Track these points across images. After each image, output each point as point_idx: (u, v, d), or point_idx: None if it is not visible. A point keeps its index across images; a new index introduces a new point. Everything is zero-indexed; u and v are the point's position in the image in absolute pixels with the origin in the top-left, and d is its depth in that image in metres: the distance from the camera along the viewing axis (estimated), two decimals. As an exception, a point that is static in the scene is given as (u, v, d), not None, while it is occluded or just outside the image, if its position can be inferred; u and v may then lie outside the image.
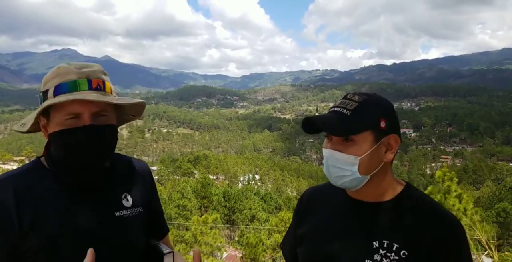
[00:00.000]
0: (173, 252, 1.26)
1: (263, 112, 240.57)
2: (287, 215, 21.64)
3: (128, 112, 1.35)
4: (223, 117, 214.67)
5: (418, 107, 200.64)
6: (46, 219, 1.12)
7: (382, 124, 1.08)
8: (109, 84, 1.21)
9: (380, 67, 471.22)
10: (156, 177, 64.73)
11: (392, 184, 1.17)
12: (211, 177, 48.29)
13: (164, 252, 1.24)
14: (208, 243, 18.18)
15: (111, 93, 1.22)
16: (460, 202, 7.80)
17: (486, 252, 5.13)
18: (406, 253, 1.05)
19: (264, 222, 29.99)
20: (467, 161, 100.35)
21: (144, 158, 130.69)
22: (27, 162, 1.22)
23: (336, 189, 1.21)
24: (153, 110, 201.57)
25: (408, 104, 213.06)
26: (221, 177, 72.12)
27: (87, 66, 1.19)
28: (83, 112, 1.12)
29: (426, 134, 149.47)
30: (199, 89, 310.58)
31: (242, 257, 19.26)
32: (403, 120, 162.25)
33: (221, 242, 19.51)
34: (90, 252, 1.04)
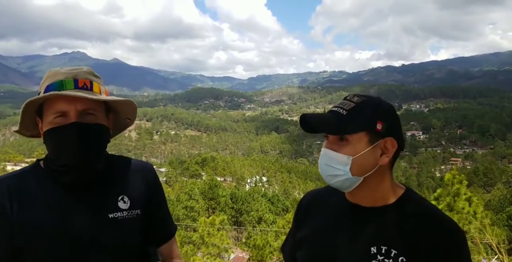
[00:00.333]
0: (160, 261, 1.25)
1: (270, 114, 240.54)
2: (295, 217, 21.59)
3: (122, 115, 1.35)
4: (231, 119, 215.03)
5: (427, 109, 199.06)
6: (39, 219, 1.13)
7: (379, 126, 1.08)
8: (97, 85, 1.22)
9: (389, 68, 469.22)
10: (164, 179, 64.97)
11: (391, 188, 1.15)
12: (219, 179, 48.24)
13: (152, 260, 1.22)
14: (215, 245, 18.18)
15: (100, 94, 1.22)
16: (470, 205, 7.68)
17: (496, 256, 5.03)
18: (404, 260, 1.05)
19: (271, 224, 29.92)
20: (478, 163, 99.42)
21: (153, 160, 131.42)
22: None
23: (335, 193, 1.21)
24: (161, 112, 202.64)
25: (417, 106, 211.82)
26: (228, 179, 72.09)
27: (76, 68, 1.21)
28: (69, 111, 1.14)
29: (436, 136, 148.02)
30: (206, 91, 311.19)
31: (249, 259, 19.23)
32: (412, 122, 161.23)
33: (228, 243, 19.50)
34: None
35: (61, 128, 1.14)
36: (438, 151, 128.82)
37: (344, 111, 1.09)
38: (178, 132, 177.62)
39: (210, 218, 19.55)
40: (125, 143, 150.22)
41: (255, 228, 29.53)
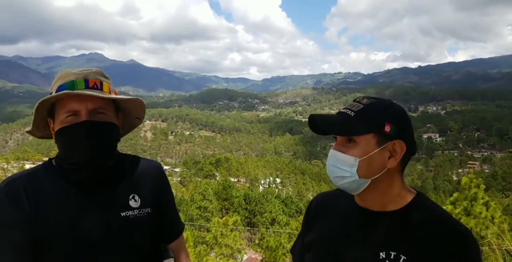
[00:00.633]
0: (173, 257, 1.28)
1: (284, 115, 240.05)
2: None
3: (132, 114, 1.38)
4: (245, 120, 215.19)
5: (444, 111, 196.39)
6: (52, 217, 1.16)
7: (387, 128, 1.07)
8: (107, 85, 1.26)
9: (405, 70, 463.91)
10: (179, 179, 65.41)
11: (401, 192, 1.13)
12: (232, 180, 48.32)
13: (164, 257, 1.25)
14: (228, 245, 18.23)
15: (110, 93, 1.25)
16: (487, 210, 7.55)
17: (515, 263, 4.92)
18: None
19: (284, 226, 29.85)
20: (496, 167, 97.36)
21: (167, 160, 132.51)
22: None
23: (344, 196, 1.21)
24: (176, 113, 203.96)
25: (434, 108, 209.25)
26: (242, 180, 72.14)
27: (86, 69, 1.25)
28: (80, 109, 1.17)
29: (453, 139, 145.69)
30: (221, 92, 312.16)
31: (262, 260, 19.20)
32: (428, 125, 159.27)
33: (241, 244, 19.54)
34: None
35: (72, 126, 1.16)
36: (455, 154, 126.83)
37: (352, 112, 1.09)
38: (192, 133, 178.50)
39: (224, 218, 19.61)
40: (140, 143, 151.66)
41: (268, 230, 29.48)
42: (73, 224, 1.16)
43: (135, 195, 1.29)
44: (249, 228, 32.17)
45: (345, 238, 1.16)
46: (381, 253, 1.07)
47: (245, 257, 21.28)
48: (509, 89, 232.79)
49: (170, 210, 1.44)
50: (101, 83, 1.23)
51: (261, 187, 64.92)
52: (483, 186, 7.78)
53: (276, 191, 53.91)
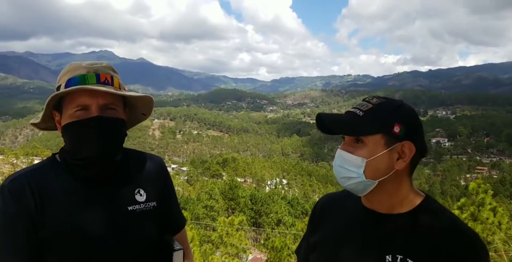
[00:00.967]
0: (182, 249, 1.28)
1: (292, 116, 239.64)
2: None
3: (139, 110, 1.37)
4: (252, 121, 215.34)
5: (453, 115, 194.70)
6: (60, 212, 1.15)
7: (396, 129, 1.04)
8: (117, 80, 1.24)
9: (415, 73, 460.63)
10: (186, 177, 65.63)
11: (409, 195, 1.11)
12: (239, 180, 48.43)
13: (175, 248, 1.25)
14: (233, 245, 18.31)
15: (120, 89, 1.24)
16: (494, 216, 7.54)
17: (521, 268, 4.93)
18: None
19: (290, 227, 29.90)
20: (505, 172, 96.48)
21: (175, 158, 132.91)
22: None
23: (351, 197, 1.19)
24: (184, 112, 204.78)
25: (443, 112, 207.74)
26: (248, 180, 72.22)
27: (96, 63, 1.23)
28: (91, 104, 1.15)
29: (462, 144, 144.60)
30: (229, 92, 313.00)
31: (267, 260, 19.26)
32: (437, 129, 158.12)
33: (246, 244, 19.62)
34: None
35: (83, 121, 1.15)
36: (464, 159, 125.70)
37: (361, 112, 1.07)
38: (200, 132, 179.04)
39: (230, 218, 19.69)
40: (148, 141, 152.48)
41: (273, 230, 29.55)
42: (80, 220, 1.16)
43: (141, 189, 1.29)
44: (254, 228, 32.26)
45: (350, 239, 1.15)
46: (387, 256, 1.05)
47: (250, 257, 21.34)
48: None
49: (174, 203, 1.45)
50: (112, 78, 1.22)
51: (267, 188, 64.95)
52: (491, 192, 7.75)
53: (283, 192, 53.96)
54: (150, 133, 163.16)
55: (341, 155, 1.10)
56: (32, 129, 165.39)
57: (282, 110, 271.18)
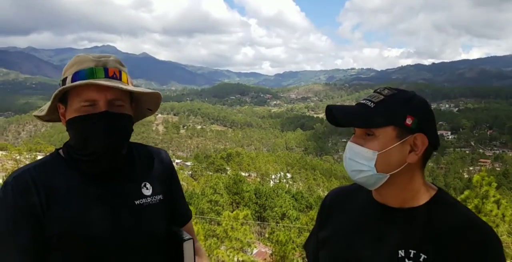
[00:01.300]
0: (192, 238, 1.27)
1: (296, 111, 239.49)
2: (318, 215, 21.55)
3: (144, 105, 1.36)
4: (256, 115, 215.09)
5: (456, 109, 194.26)
6: (65, 209, 1.13)
7: (408, 121, 1.02)
8: (125, 75, 1.23)
9: (418, 67, 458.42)
10: (190, 172, 65.89)
11: (421, 189, 1.09)
12: (243, 174, 48.55)
13: (184, 238, 1.24)
14: (238, 239, 18.41)
15: (128, 84, 1.22)
16: (498, 208, 7.60)
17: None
18: None
19: (294, 220, 30.08)
20: (508, 165, 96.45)
21: (179, 153, 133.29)
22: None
23: (361, 192, 1.18)
24: (188, 107, 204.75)
25: (447, 105, 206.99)
26: (252, 174, 72.36)
27: (104, 56, 1.20)
28: (99, 99, 1.13)
29: (465, 136, 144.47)
30: (233, 87, 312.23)
31: (271, 254, 19.41)
32: (440, 122, 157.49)
33: (251, 238, 19.73)
34: None
35: (90, 116, 1.13)
36: (467, 152, 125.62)
37: (372, 104, 1.05)
38: (204, 127, 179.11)
39: (234, 212, 19.80)
40: (152, 136, 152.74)
41: (278, 224, 29.71)
42: (86, 217, 1.14)
43: (147, 183, 1.28)
44: (259, 222, 32.44)
45: (362, 234, 1.13)
46: (400, 251, 1.03)
47: (255, 251, 21.48)
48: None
49: (180, 196, 1.45)
50: (120, 72, 1.20)
51: (271, 182, 65.08)
52: (494, 184, 7.82)
53: (287, 186, 54.14)
54: (154, 128, 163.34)
55: (351, 147, 1.08)
56: (35, 125, 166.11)
57: (285, 105, 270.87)
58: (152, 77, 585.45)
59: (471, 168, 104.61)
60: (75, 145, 1.19)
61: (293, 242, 19.56)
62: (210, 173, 60.44)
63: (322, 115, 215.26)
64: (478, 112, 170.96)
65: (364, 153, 1.04)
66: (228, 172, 60.62)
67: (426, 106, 1.08)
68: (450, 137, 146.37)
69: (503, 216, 7.52)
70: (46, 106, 1.23)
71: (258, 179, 65.28)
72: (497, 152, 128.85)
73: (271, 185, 51.03)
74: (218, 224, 23.04)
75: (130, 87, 1.18)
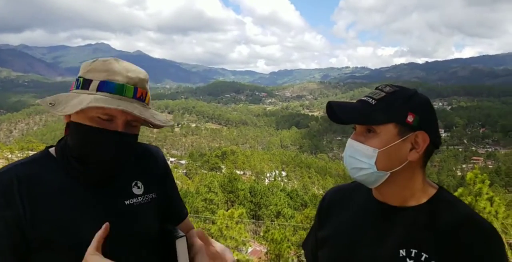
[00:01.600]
0: (185, 236, 1.24)
1: (291, 109, 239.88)
2: (313, 213, 21.59)
3: (150, 123, 1.31)
4: (251, 114, 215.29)
5: (450, 107, 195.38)
6: (50, 212, 1.09)
7: (410, 118, 1.01)
8: (149, 96, 1.23)
9: (412, 65, 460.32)
10: (184, 171, 65.80)
11: (422, 187, 1.08)
12: (238, 172, 48.58)
13: (177, 236, 1.23)
14: (233, 238, 18.40)
15: (148, 104, 1.22)
16: (491, 205, 7.65)
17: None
18: None
19: (289, 219, 30.08)
20: (500, 163, 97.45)
21: (173, 152, 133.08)
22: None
23: (361, 190, 1.17)
24: (182, 105, 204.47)
25: (440, 104, 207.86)
26: (247, 173, 72.39)
27: (135, 71, 1.17)
28: (119, 118, 1.12)
29: (458, 134, 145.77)
30: (228, 85, 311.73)
31: (266, 253, 19.40)
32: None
33: (246, 237, 19.72)
34: (105, 226, 1.01)
35: (107, 133, 1.11)
36: (460, 150, 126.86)
37: (373, 100, 1.04)
38: (199, 125, 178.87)
39: (229, 211, 19.80)
40: (146, 135, 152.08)
41: (273, 222, 29.73)
42: (73, 219, 1.10)
43: (138, 182, 1.26)
44: (254, 220, 32.43)
45: (361, 234, 1.11)
46: (401, 251, 1.02)
47: (250, 249, 21.50)
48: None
49: (174, 193, 1.42)
50: (146, 94, 1.19)
51: (266, 180, 65.20)
52: (487, 182, 7.87)
53: (282, 184, 54.20)
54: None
55: (352, 145, 1.07)
56: (27, 123, 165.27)
57: (280, 103, 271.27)
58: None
59: (464, 166, 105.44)
60: (75, 149, 1.15)
61: (288, 240, 19.60)
62: (205, 171, 60.43)
63: (317, 113, 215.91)
64: (470, 110, 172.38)
65: (365, 150, 1.03)
66: (223, 170, 60.68)
67: (428, 104, 1.07)
68: (443, 135, 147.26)
69: (496, 213, 7.57)
70: (58, 101, 1.13)
71: (253, 177, 65.27)
72: (490, 149, 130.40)
73: (266, 183, 51.04)
74: (213, 223, 22.99)
75: (152, 120, 1.16)
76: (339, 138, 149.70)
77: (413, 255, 1.00)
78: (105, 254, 1.07)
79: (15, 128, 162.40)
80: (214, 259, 1.11)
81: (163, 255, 1.26)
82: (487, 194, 7.70)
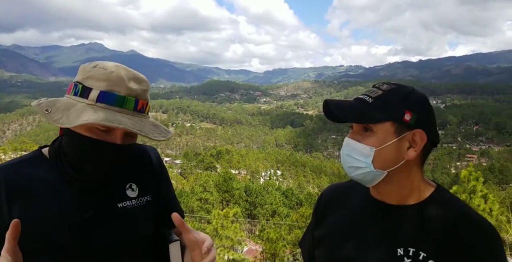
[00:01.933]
0: (179, 240, 1.22)
1: (286, 108, 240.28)
2: (308, 211, 21.61)
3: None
4: (246, 113, 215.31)
5: (443, 105, 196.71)
6: (44, 212, 1.07)
7: (407, 117, 1.00)
8: (149, 105, 1.20)
9: (406, 63, 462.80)
10: (179, 170, 65.65)
11: (420, 186, 1.07)
12: (233, 172, 48.52)
13: (171, 240, 1.20)
14: (229, 237, 18.35)
15: (147, 114, 1.19)
16: (485, 202, 7.68)
17: None
18: None
19: (284, 218, 30.10)
20: (494, 160, 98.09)
21: (168, 152, 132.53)
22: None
23: (358, 188, 1.16)
24: (177, 104, 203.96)
25: (434, 102, 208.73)
26: (242, 172, 72.37)
27: (137, 80, 1.14)
28: (118, 131, 1.10)
29: (452, 132, 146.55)
30: (222, 84, 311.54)
31: (262, 252, 19.37)
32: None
33: (241, 236, 19.67)
34: (13, 223, 0.90)
35: (105, 145, 1.08)
36: (454, 147, 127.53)
37: (370, 99, 1.03)
38: (193, 124, 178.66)
39: (224, 210, 19.72)
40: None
41: (268, 221, 29.71)
42: (69, 220, 1.08)
43: (132, 184, 1.23)
44: (249, 219, 32.46)
45: (359, 233, 1.10)
46: (398, 250, 1.01)
47: (245, 248, 21.50)
48: (507, 84, 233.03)
49: (171, 195, 1.39)
50: (147, 104, 1.17)
51: (261, 179, 65.28)
52: (481, 179, 7.91)
53: (277, 183, 54.11)
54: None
55: (348, 143, 1.06)
56: (20, 124, 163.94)
57: (275, 102, 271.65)
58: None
59: (458, 163, 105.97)
60: (72, 157, 1.12)
61: (283, 239, 19.60)
62: (200, 171, 60.25)
63: (311, 112, 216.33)
64: (464, 108, 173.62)
65: (361, 149, 1.02)
66: (218, 170, 60.56)
67: (425, 102, 1.06)
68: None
69: (491, 210, 7.61)
70: (55, 108, 1.08)
71: (248, 177, 65.27)
72: (483, 147, 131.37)
73: (261, 182, 51.10)
74: (208, 223, 22.95)
75: (155, 138, 1.14)
76: (334, 137, 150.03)
77: (411, 254, 0.99)
78: (90, 260, 1.05)
79: (8, 129, 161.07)
80: (193, 248, 1.10)
81: (157, 259, 1.23)
82: (481, 191, 7.73)
